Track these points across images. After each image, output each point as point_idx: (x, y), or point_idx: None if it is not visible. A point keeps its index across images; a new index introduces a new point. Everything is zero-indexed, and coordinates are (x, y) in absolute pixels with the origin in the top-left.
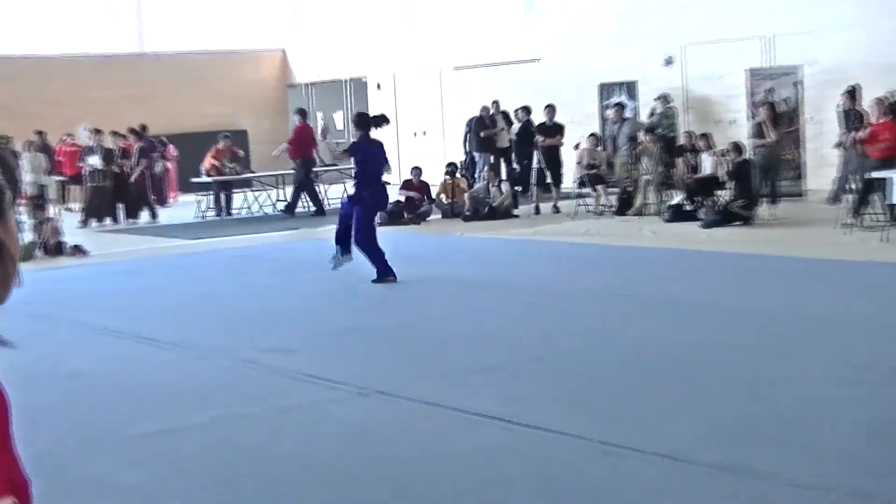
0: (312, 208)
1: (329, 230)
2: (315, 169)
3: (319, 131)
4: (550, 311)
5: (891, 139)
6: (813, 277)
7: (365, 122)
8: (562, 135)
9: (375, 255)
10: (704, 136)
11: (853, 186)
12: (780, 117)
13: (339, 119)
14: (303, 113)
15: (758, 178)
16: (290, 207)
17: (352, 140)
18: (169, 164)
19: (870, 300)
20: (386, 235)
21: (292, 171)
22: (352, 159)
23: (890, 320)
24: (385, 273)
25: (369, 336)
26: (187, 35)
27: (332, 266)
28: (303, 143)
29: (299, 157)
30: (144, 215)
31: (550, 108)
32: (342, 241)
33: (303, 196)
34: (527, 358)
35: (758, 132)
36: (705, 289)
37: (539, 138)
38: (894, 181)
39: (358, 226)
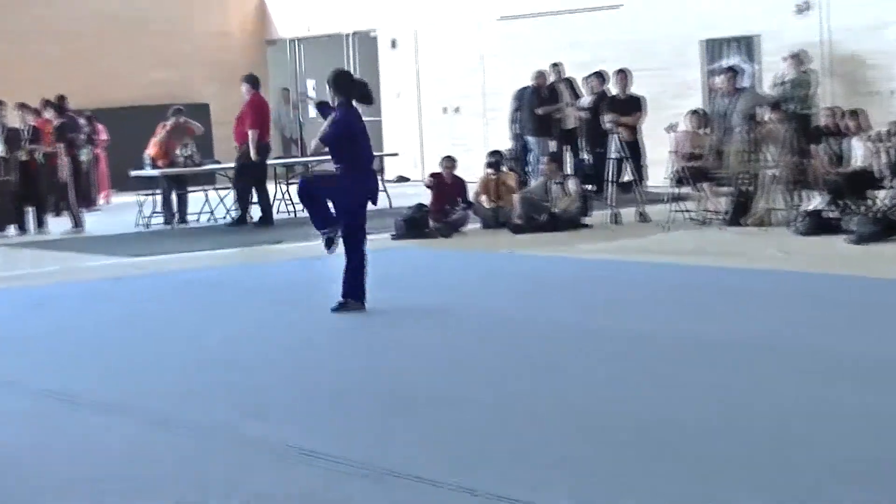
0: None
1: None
2: (272, 160)
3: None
4: (650, 373)
5: None
6: None
7: (349, 85)
8: (641, 111)
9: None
10: (854, 113)
11: None
12: None
13: None
14: (253, 81)
15: None
16: (241, 216)
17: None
18: (98, 151)
19: None
20: (404, 252)
21: (275, 162)
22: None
23: None
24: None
25: (376, 395)
26: None
27: (329, 250)
28: (254, 123)
29: (246, 143)
30: (63, 222)
31: (622, 75)
32: (322, 215)
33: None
34: (630, 448)
35: None
36: (872, 336)
37: (608, 118)
38: None
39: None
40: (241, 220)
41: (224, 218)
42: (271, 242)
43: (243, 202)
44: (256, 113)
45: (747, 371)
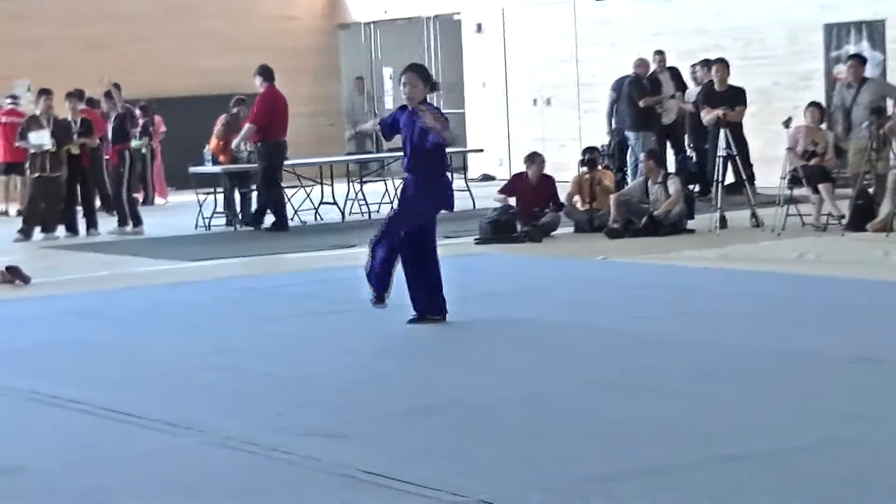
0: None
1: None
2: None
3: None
4: (761, 395)
5: None
6: None
7: (428, 78)
8: (742, 104)
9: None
10: None
11: None
12: None
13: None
14: (265, 72)
15: None
16: (258, 217)
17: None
18: (155, 145)
19: None
20: (488, 258)
21: (340, 159)
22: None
23: None
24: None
25: (457, 413)
26: None
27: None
28: (271, 119)
29: (264, 141)
30: (114, 222)
31: (721, 65)
32: (382, 276)
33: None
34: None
35: None
36: None
37: (707, 115)
38: None
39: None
40: (258, 220)
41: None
42: (341, 246)
43: (264, 204)
44: (261, 106)
45: (862, 387)
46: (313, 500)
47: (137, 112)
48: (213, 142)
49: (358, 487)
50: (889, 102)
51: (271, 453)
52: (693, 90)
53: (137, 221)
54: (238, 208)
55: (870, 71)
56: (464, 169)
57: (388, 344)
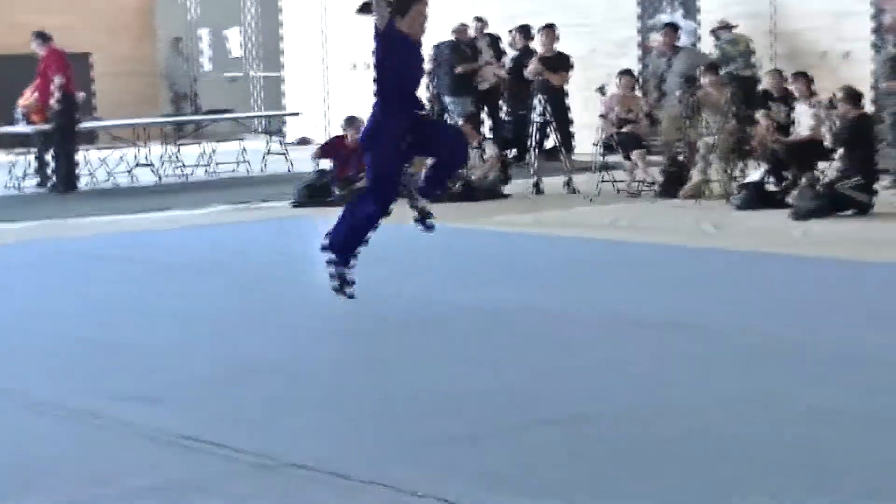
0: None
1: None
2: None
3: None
4: (579, 360)
5: None
6: None
7: None
8: (568, 71)
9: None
10: (801, 76)
11: None
12: None
13: (234, 39)
14: (42, 36)
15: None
16: (69, 180)
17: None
18: None
19: None
20: (304, 221)
21: (156, 121)
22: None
23: None
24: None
25: (282, 380)
26: None
27: (339, 292)
28: (58, 69)
29: (56, 104)
30: None
31: (549, 31)
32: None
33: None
34: (532, 422)
35: (891, 71)
36: (805, 321)
37: (531, 68)
38: None
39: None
40: (70, 184)
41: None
42: (157, 209)
43: (69, 166)
44: (55, 63)
45: (667, 349)
46: (124, 463)
47: None
48: (26, 99)
49: (170, 451)
50: (700, 72)
51: (83, 418)
52: (511, 56)
53: None
54: (52, 169)
55: (683, 40)
56: (281, 132)
57: (205, 308)
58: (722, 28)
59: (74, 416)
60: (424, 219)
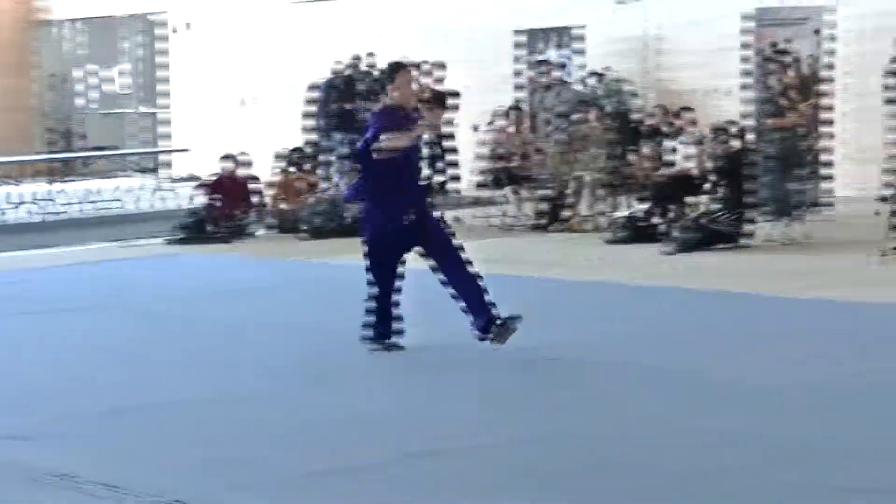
0: None
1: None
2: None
3: None
4: (459, 390)
5: None
6: (842, 331)
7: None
8: (443, 107)
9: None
10: (679, 112)
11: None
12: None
13: (116, 78)
14: None
15: (776, 177)
16: None
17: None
18: None
19: None
20: (186, 258)
21: (33, 159)
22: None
23: None
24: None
25: (155, 422)
26: None
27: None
28: None
29: None
30: None
31: (438, 65)
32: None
33: None
34: (402, 455)
35: (774, 107)
36: (682, 352)
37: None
38: None
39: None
40: None
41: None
42: (38, 246)
43: None
44: None
45: (525, 381)
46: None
47: None
48: None
49: (41, 490)
50: (581, 109)
51: None
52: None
53: None
54: None
55: (564, 76)
56: (164, 169)
57: (92, 343)
58: (602, 74)
59: None
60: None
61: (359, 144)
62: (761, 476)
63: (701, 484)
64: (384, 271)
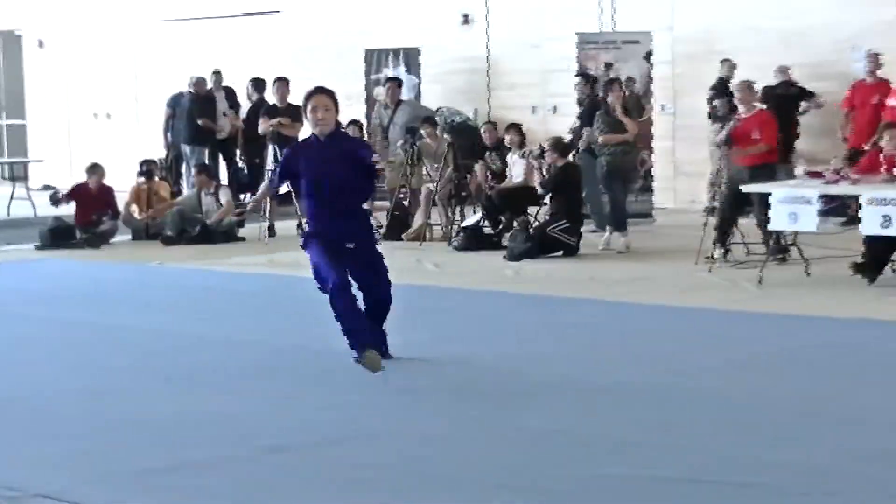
0: None
1: None
2: None
3: None
4: (304, 391)
5: (765, 139)
6: (659, 334)
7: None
8: (300, 121)
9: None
10: (513, 128)
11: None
12: (638, 104)
13: None
14: None
15: (610, 189)
16: None
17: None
18: None
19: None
20: (49, 263)
21: None
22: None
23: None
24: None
25: (22, 418)
26: None
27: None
28: None
29: None
30: None
31: (282, 83)
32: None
33: None
34: (260, 449)
35: (609, 123)
36: (496, 348)
37: (262, 123)
38: (772, 199)
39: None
40: None
41: None
42: None
43: None
44: None
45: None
46: None
47: None
48: None
49: None
50: (422, 124)
51: None
52: (245, 108)
53: None
54: None
55: (406, 93)
56: (25, 178)
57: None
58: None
59: None
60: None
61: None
62: (584, 470)
63: (522, 479)
64: (326, 271)
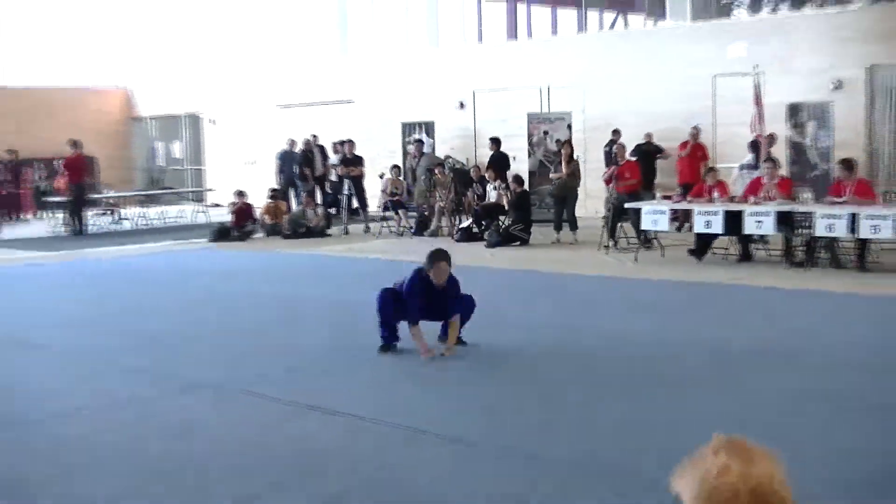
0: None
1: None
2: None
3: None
4: (354, 320)
5: (633, 177)
6: (575, 292)
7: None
8: (362, 166)
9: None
10: (490, 168)
11: (606, 216)
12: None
13: (176, 149)
14: (75, 144)
15: (556, 204)
16: (80, 228)
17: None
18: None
19: (607, 310)
20: (214, 252)
21: (133, 193)
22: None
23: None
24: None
25: (197, 341)
26: (44, 72)
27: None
28: (76, 172)
29: (75, 184)
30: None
31: (350, 143)
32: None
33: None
34: (336, 362)
35: (555, 165)
36: (487, 299)
37: (339, 168)
38: (642, 212)
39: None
40: (80, 231)
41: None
42: (135, 243)
43: (80, 220)
44: (77, 165)
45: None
46: (110, 387)
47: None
48: (61, 182)
49: (133, 377)
50: (435, 167)
51: (98, 364)
52: (334, 157)
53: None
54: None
55: (426, 149)
56: (202, 200)
57: (174, 296)
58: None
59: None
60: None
61: (402, 287)
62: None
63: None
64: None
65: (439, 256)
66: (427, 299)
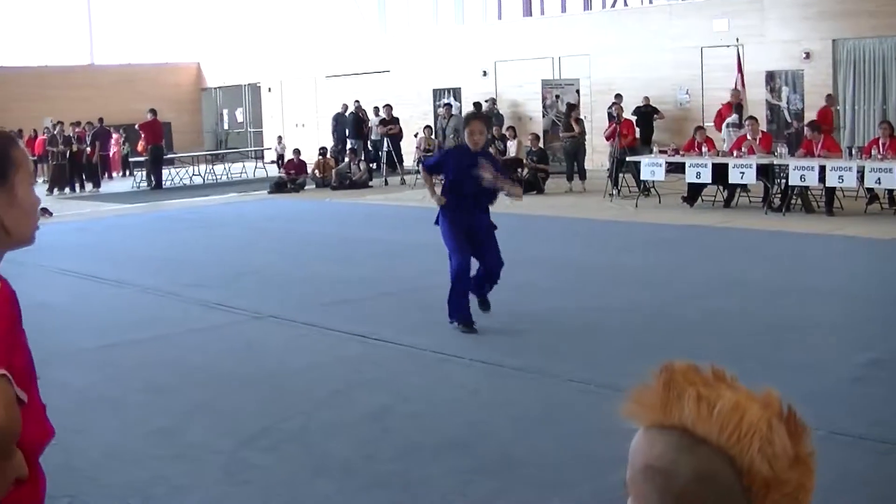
0: (152, 183)
1: (200, 201)
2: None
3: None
4: (394, 259)
5: (629, 134)
6: (581, 233)
7: (490, 125)
8: (398, 125)
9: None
10: (511, 128)
11: (610, 168)
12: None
13: (239, 114)
14: (153, 111)
15: (568, 158)
16: (158, 183)
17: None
18: (116, 148)
19: (600, 249)
20: (272, 202)
21: (202, 153)
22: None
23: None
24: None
25: (261, 277)
26: (127, 50)
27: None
28: (153, 135)
29: (151, 145)
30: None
31: (388, 107)
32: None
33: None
34: (378, 293)
35: (567, 126)
36: (511, 239)
37: (379, 128)
38: (641, 164)
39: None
40: (158, 185)
41: (190, 180)
42: (205, 195)
43: (158, 176)
44: (154, 129)
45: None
46: (187, 317)
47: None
48: (140, 145)
49: (209, 310)
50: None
51: (165, 296)
52: (375, 120)
53: (97, 185)
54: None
55: (454, 111)
56: (262, 158)
57: (234, 241)
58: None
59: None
60: (482, 304)
61: (427, 159)
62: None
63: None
64: (456, 252)
65: (473, 115)
66: (458, 162)
